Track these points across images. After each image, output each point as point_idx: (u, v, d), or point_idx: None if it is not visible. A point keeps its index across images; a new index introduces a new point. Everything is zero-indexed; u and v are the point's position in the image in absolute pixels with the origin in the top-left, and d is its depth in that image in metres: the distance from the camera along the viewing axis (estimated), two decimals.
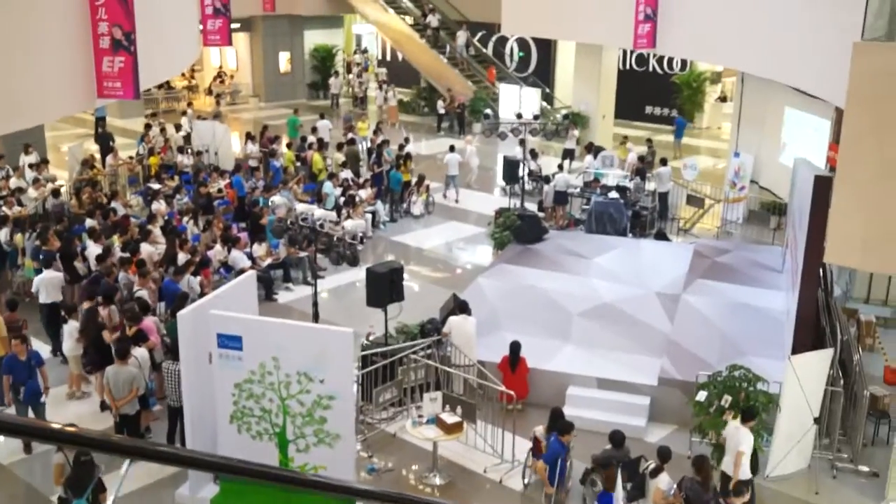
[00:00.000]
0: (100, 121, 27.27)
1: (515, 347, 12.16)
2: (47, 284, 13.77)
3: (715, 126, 31.96)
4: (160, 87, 35.49)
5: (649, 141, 24.51)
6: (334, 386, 9.48)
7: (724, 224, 20.39)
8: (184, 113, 28.03)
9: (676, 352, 12.89)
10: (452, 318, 12.48)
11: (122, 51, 14.16)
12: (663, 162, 21.20)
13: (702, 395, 10.67)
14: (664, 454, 9.57)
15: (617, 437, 10.12)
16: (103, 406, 12.04)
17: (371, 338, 12.95)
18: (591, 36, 25.56)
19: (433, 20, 32.43)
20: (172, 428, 11.18)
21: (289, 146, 23.72)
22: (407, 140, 24.19)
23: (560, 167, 21.44)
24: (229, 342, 9.72)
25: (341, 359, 9.49)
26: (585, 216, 19.58)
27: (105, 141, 24.05)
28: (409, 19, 33.95)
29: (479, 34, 33.39)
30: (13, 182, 18.97)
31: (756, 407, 10.20)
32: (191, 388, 10.03)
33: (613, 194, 19.42)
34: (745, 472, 9.77)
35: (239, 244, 16.07)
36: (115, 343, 11.25)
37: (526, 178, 21.41)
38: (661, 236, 18.88)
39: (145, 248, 15.01)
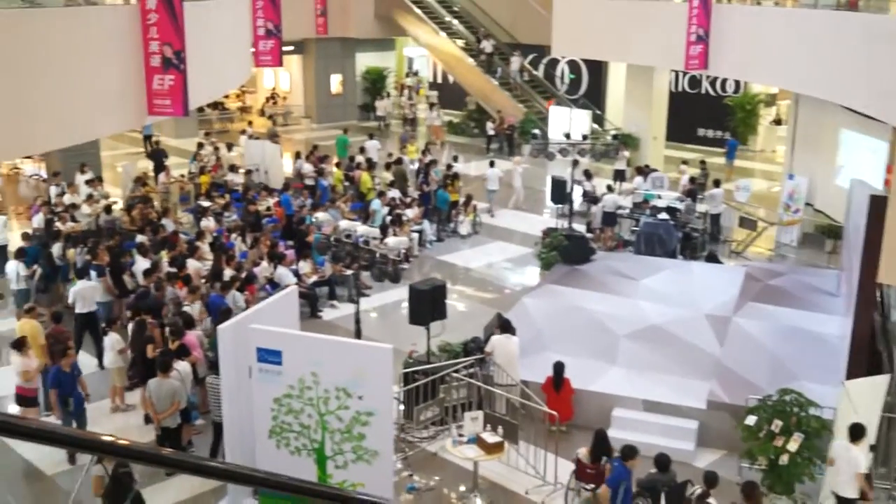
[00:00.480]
0: (147, 138, 27.92)
1: (559, 368, 11.95)
2: (83, 294, 14.04)
3: (769, 149, 31.40)
4: (214, 107, 36.10)
5: (703, 162, 24.17)
6: (373, 402, 9.38)
7: (778, 247, 19.95)
8: (243, 132, 28.42)
9: (726, 375, 12.56)
10: (495, 337, 12.32)
11: (172, 69, 14.36)
12: (716, 183, 20.85)
13: (751, 420, 10.35)
14: (711, 479, 9.28)
15: (662, 461, 9.83)
16: (147, 419, 12.08)
17: (414, 356, 12.87)
18: (641, 57, 25.40)
19: (487, 46, 32.44)
20: (216, 443, 11.16)
21: (338, 165, 23.84)
22: (455, 159, 24.18)
23: (609, 188, 21.21)
24: (269, 356, 9.69)
25: (380, 375, 9.39)
26: (634, 237, 19.31)
27: (158, 157, 24.44)
28: (461, 42, 34.06)
29: (531, 57, 33.36)
30: (67, 198, 19.33)
31: (863, 425, 9.72)
32: (230, 402, 10.00)
33: (663, 216, 19.13)
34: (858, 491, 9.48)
35: (285, 261, 16.11)
36: (158, 356, 11.31)
37: (581, 199, 21.24)
38: (713, 259, 18.50)
39: (192, 264, 15.12)
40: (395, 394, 11.80)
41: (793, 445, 9.87)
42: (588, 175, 22.24)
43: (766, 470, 10.24)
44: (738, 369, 12.66)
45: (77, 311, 14.07)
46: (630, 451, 9.72)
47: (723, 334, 13.78)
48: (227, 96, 38.33)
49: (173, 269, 14.77)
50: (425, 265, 19.36)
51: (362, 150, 24.61)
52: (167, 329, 12.52)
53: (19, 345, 11.79)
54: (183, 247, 16.21)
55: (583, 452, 10.39)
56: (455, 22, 34.67)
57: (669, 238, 18.68)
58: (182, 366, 11.39)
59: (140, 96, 14.28)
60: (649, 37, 24.18)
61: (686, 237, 19.28)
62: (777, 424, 10.07)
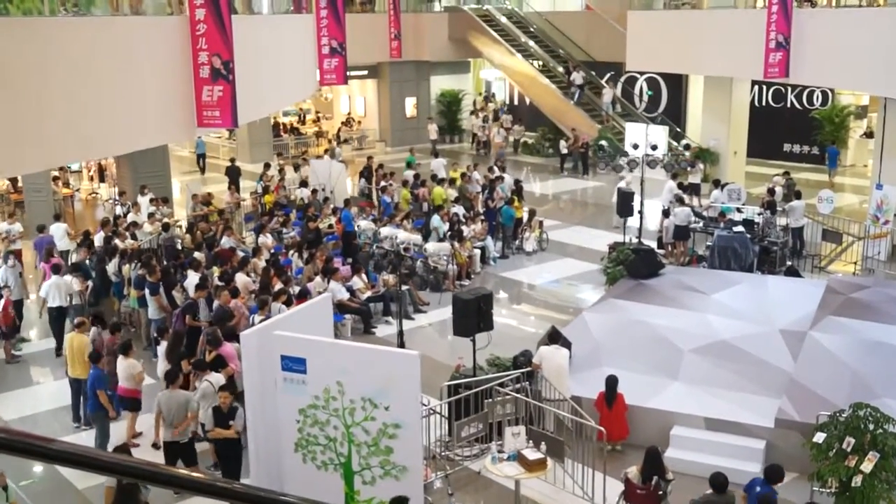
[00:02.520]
0: (201, 157, 29.62)
1: (612, 382, 11.13)
2: (55, 289, 14.71)
3: (860, 163, 29.72)
4: (289, 132, 36.35)
5: (787, 173, 22.96)
6: (400, 414, 8.80)
7: (865, 261, 18.63)
8: (325, 150, 29.53)
9: (798, 392, 11.51)
10: (543, 348, 11.59)
11: (220, 80, 14.18)
12: (797, 195, 19.67)
13: (819, 437, 9.36)
14: (766, 501, 8.35)
15: (718, 481, 8.94)
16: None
17: (461, 370, 12.24)
18: (718, 68, 24.41)
19: (578, 77, 31.67)
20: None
21: (404, 184, 23.55)
22: (503, 169, 24.15)
23: (681, 200, 20.22)
24: (293, 364, 9.22)
25: (408, 384, 8.80)
26: (708, 252, 18.28)
27: (235, 174, 24.80)
28: (537, 63, 33.47)
29: (608, 75, 32.45)
30: (130, 217, 19.42)
31: None
32: (254, 413, 9.55)
33: (738, 228, 18.07)
34: None
35: (336, 276, 15.70)
36: (191, 366, 10.97)
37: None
38: (792, 273, 17.33)
39: (241, 278, 14.85)
40: (432, 407, 11.22)
41: (867, 465, 8.85)
42: (683, 188, 21.18)
43: (837, 493, 9.22)
44: (813, 386, 11.60)
45: (49, 304, 14.80)
46: (777, 473, 8.87)
47: (797, 349, 12.72)
48: (302, 122, 38.67)
49: (221, 283, 14.51)
50: (488, 282, 18.70)
51: (409, 166, 24.61)
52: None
53: (126, 348, 11.93)
54: (236, 262, 15.97)
55: (633, 471, 9.57)
56: (531, 43, 34.13)
57: (745, 252, 17.61)
58: (215, 377, 10.99)
59: (189, 108, 14.16)
60: (726, 46, 23.21)
61: (764, 251, 18.16)
62: (849, 442, 9.07)
